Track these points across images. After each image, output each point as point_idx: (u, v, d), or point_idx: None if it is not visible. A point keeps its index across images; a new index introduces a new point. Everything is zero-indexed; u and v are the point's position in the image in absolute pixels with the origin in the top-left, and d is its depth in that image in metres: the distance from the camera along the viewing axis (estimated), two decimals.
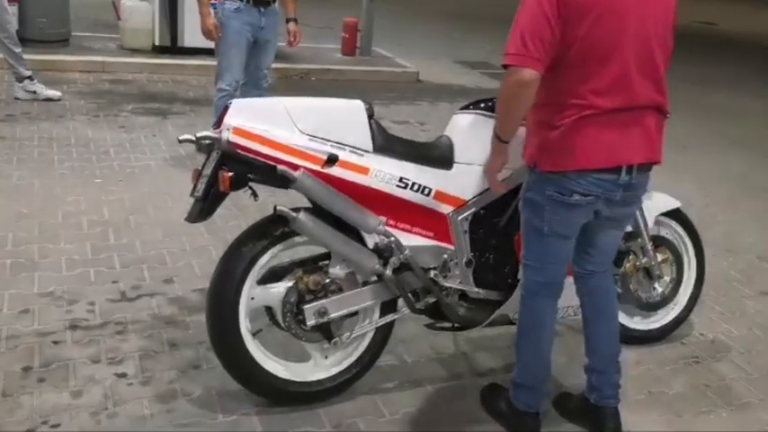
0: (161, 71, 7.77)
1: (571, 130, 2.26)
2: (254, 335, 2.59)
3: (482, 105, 2.72)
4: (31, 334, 2.98)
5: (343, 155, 2.43)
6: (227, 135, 2.32)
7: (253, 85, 5.03)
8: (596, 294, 2.62)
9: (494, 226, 2.74)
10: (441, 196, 2.60)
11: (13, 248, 3.73)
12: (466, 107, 2.78)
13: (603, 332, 2.65)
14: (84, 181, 4.71)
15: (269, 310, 2.62)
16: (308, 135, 2.41)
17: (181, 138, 2.41)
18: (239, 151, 2.34)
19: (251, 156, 2.34)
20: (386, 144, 2.53)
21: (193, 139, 2.40)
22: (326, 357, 2.68)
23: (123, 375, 2.77)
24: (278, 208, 2.39)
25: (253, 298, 2.53)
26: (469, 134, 2.69)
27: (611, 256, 2.63)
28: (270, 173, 2.36)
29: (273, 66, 5.28)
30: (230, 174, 2.32)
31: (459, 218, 2.65)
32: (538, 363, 2.57)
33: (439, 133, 2.81)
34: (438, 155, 2.65)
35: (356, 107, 2.51)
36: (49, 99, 6.32)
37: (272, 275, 2.61)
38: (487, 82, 9.03)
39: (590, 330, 2.65)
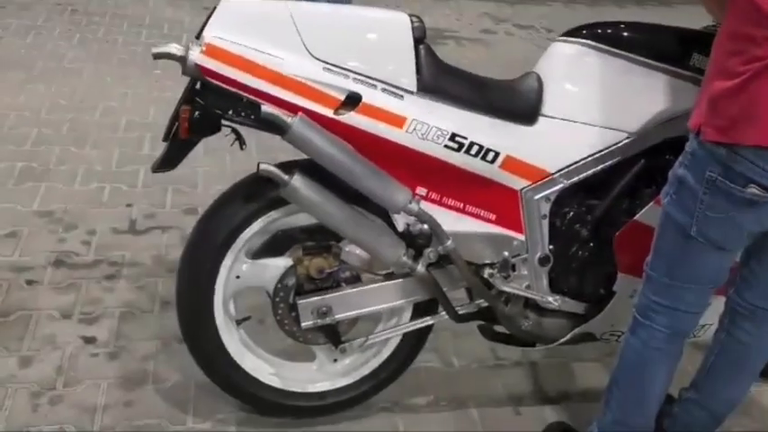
0: None
1: (756, 84, 1.37)
2: (239, 323, 1.94)
3: (598, 32, 1.84)
4: (5, 267, 2.47)
5: (369, 94, 1.65)
6: (195, 55, 1.58)
7: None
8: (752, 338, 1.75)
9: (587, 212, 1.91)
10: (512, 164, 1.78)
11: (31, 148, 3.23)
12: (572, 32, 1.90)
13: (739, 383, 1.82)
14: (142, 71, 4.14)
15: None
16: (320, 60, 1.63)
17: (154, 51, 1.66)
18: (210, 79, 1.60)
19: (226, 87, 1.60)
20: (437, 81, 1.72)
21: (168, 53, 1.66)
22: (335, 361, 2.00)
23: (91, 341, 2.21)
24: (262, 166, 1.66)
25: (238, 276, 1.86)
26: (572, 74, 1.84)
27: None
28: (252, 113, 1.63)
29: None
30: (189, 113, 1.61)
31: (538, 197, 1.84)
32: (638, 415, 1.78)
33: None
34: (516, 102, 1.81)
35: (397, 22, 1.70)
36: None
37: (274, 245, 1.90)
38: None
39: (719, 375, 1.81)
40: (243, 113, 1.64)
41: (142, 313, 2.34)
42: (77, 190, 2.96)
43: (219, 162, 3.19)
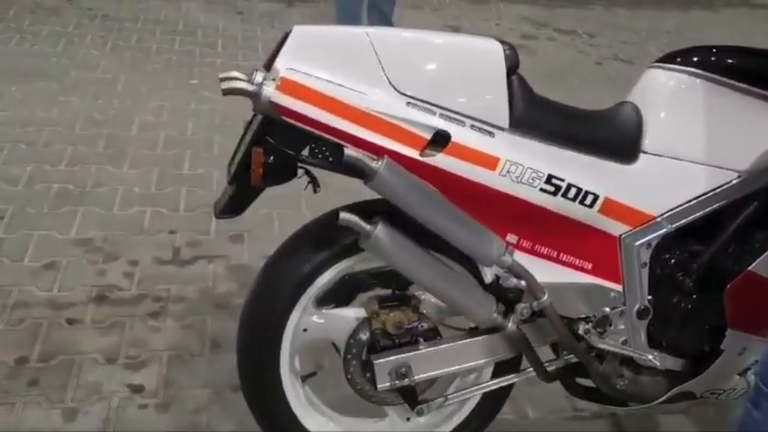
0: None
1: None
2: (304, 380, 1.77)
3: (704, 58, 1.65)
4: (44, 303, 2.31)
5: (458, 133, 1.46)
6: (269, 91, 1.40)
7: None
8: None
9: (691, 259, 1.71)
10: (612, 208, 1.59)
11: (67, 168, 3.07)
12: (672, 57, 1.70)
13: None
14: (178, 81, 3.99)
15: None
16: (404, 95, 1.45)
17: (224, 87, 1.45)
18: (287, 118, 1.42)
19: (304, 126, 1.42)
20: (529, 116, 1.53)
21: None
22: (408, 420, 1.82)
23: (139, 389, 2.04)
24: (342, 216, 1.48)
25: (306, 329, 1.68)
26: (676, 106, 1.65)
27: None
28: (332, 156, 1.45)
29: None
30: (264, 158, 1.43)
31: (638, 243, 1.64)
32: None
33: (620, 95, 1.76)
34: (615, 137, 1.62)
35: (489, 51, 1.51)
36: None
37: (340, 291, 1.73)
38: None
39: None
40: (322, 156, 1.46)
41: (191, 357, 2.17)
42: (116, 215, 2.80)
43: None
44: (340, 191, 1.69)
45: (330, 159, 1.46)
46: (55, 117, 3.47)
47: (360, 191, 1.48)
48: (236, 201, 1.55)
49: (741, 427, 1.55)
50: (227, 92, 1.42)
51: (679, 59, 1.68)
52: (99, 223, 2.73)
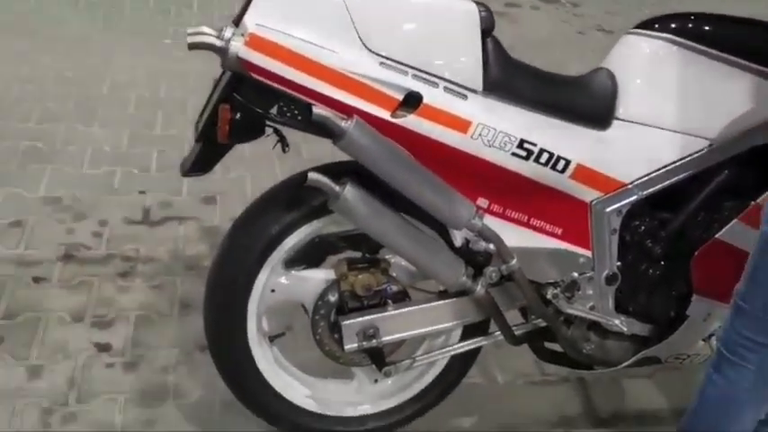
0: None
1: None
2: (272, 340, 1.76)
3: (680, 25, 1.64)
4: (10, 260, 2.28)
5: (430, 94, 1.44)
6: (237, 46, 1.37)
7: None
8: None
9: (661, 227, 1.72)
10: (584, 174, 1.59)
11: (36, 126, 3.02)
12: (649, 24, 1.69)
13: None
14: (152, 41, 3.92)
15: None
16: (377, 55, 1.42)
17: (190, 40, 1.41)
18: (255, 75, 1.39)
19: (273, 84, 1.39)
20: (504, 79, 1.52)
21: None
22: (376, 381, 1.83)
23: (106, 348, 2.03)
24: (310, 176, 1.46)
25: (274, 290, 1.67)
26: (651, 73, 1.63)
27: None
28: (301, 114, 1.42)
29: None
30: (231, 115, 1.40)
31: (609, 209, 1.64)
32: None
33: (593, 60, 1.75)
34: (589, 103, 1.61)
35: (464, 12, 1.48)
36: None
37: (311, 253, 1.71)
38: None
39: None
40: (290, 114, 1.43)
41: (160, 317, 2.15)
42: (86, 174, 2.76)
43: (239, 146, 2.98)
44: (315, 157, 1.66)
45: (299, 118, 1.43)
46: (25, 74, 3.40)
47: (336, 156, 1.45)
48: (204, 159, 1.53)
49: (702, 391, 1.57)
50: (192, 46, 1.39)
51: (657, 26, 1.67)
52: (68, 182, 2.69)
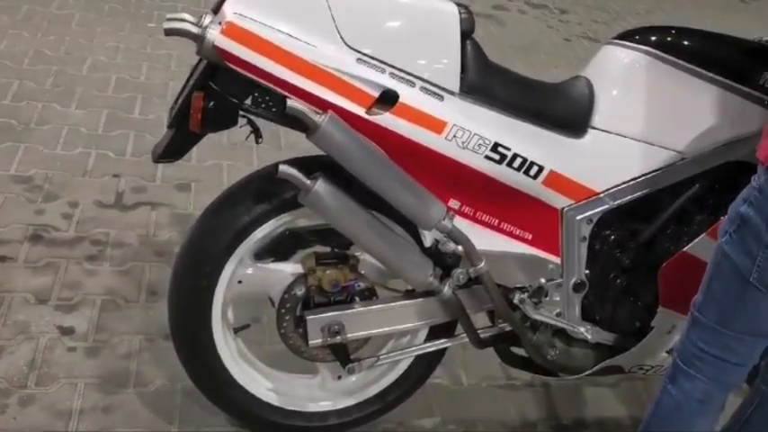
0: None
1: None
2: (236, 332, 1.75)
3: (659, 38, 1.64)
4: None
5: (407, 93, 1.44)
6: (214, 35, 1.36)
7: None
8: None
9: (630, 237, 1.73)
10: (556, 180, 1.59)
11: (11, 103, 2.97)
12: (628, 35, 1.70)
13: None
14: (135, 23, 3.87)
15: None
16: (355, 51, 1.41)
17: (167, 26, 1.40)
18: (230, 64, 1.38)
19: (248, 74, 1.38)
20: (481, 82, 1.52)
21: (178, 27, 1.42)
22: (339, 378, 1.82)
23: (69, 332, 2.01)
24: (281, 168, 1.45)
25: (240, 281, 1.66)
26: (627, 84, 1.64)
27: None
28: (276, 107, 1.42)
29: None
30: (204, 103, 1.39)
31: (580, 217, 1.65)
32: None
33: (577, 68, 1.76)
34: (566, 110, 1.61)
35: (444, 13, 1.48)
36: None
37: (280, 246, 1.70)
38: None
39: (756, 429, 1.65)
40: (264, 106, 1.42)
41: (126, 303, 2.13)
42: (60, 154, 2.72)
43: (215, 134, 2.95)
44: (294, 147, 1.65)
45: (273, 110, 1.43)
46: (3, 50, 3.35)
47: (315, 149, 1.44)
48: (175, 146, 1.52)
49: (657, 401, 1.58)
50: (169, 32, 1.38)
51: (636, 37, 1.67)
52: (41, 161, 2.65)
